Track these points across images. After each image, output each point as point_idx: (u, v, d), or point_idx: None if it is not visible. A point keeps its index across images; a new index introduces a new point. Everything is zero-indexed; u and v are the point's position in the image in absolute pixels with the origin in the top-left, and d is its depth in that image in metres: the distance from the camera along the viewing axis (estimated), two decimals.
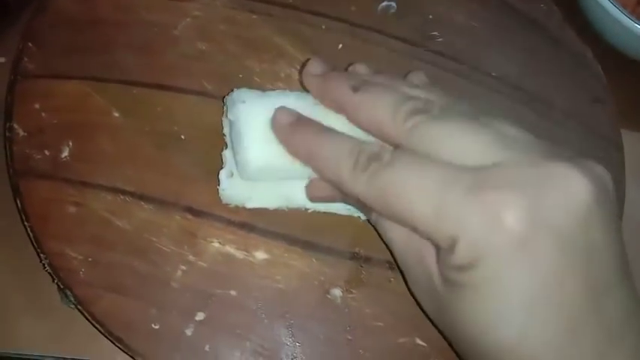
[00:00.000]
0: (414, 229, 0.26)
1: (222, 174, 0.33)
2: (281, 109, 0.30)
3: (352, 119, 0.30)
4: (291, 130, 0.30)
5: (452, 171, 0.25)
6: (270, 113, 0.31)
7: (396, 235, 0.28)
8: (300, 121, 0.30)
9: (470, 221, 0.23)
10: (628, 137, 0.41)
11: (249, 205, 0.34)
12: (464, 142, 0.25)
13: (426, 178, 0.25)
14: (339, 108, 0.30)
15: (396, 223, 0.27)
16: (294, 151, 0.30)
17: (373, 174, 0.26)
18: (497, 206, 0.23)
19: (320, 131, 0.29)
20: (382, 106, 0.28)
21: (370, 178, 0.26)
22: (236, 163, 0.32)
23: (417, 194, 0.25)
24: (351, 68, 0.34)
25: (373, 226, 0.31)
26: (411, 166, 0.26)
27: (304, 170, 0.31)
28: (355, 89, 0.29)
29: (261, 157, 0.31)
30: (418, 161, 0.26)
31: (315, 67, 0.32)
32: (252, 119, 0.31)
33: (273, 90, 0.33)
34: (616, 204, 0.25)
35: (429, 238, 0.26)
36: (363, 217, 0.34)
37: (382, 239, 0.30)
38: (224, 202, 0.33)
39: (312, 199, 0.32)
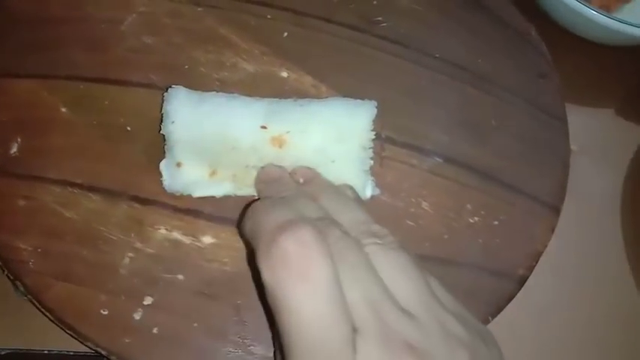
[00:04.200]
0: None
1: (163, 165, 0.34)
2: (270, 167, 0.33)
3: None
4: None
5: None
6: (200, 130, 0.33)
7: None
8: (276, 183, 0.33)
9: None
10: (573, 110, 0.42)
11: (196, 194, 0.35)
12: None
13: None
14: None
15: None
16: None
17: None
18: None
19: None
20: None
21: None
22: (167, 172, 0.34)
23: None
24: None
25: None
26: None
27: (223, 188, 0.34)
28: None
29: (185, 178, 0.34)
30: None
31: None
32: (181, 140, 0.33)
33: (215, 88, 0.36)
34: None
35: None
36: None
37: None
38: (168, 191, 0.34)
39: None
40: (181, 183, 0.34)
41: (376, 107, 0.34)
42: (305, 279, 0.23)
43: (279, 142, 0.33)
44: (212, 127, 0.33)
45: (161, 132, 0.34)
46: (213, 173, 0.34)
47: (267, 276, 0.24)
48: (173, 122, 0.33)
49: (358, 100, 0.35)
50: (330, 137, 0.33)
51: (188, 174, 0.34)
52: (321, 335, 0.23)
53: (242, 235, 0.31)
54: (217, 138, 0.33)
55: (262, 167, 0.33)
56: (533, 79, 0.43)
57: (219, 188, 0.35)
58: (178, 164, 0.34)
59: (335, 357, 0.23)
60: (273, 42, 0.40)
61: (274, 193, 0.31)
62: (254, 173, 0.34)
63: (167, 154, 0.34)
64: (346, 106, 0.34)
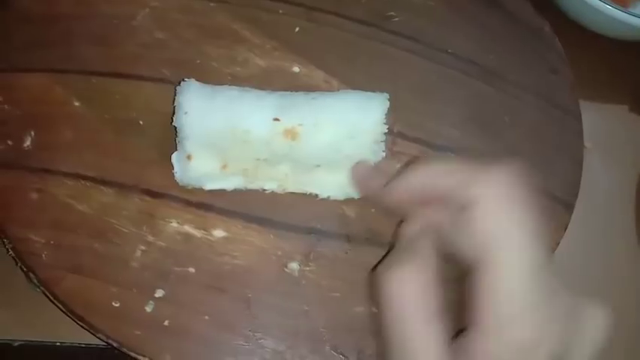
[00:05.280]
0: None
1: (174, 157, 0.34)
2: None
3: None
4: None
5: None
6: (212, 123, 0.33)
7: None
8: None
9: None
10: (586, 107, 0.42)
11: (208, 187, 0.35)
12: None
13: None
14: None
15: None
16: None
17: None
18: None
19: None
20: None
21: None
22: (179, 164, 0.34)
23: None
24: None
25: None
26: None
27: (234, 181, 0.34)
28: None
29: (197, 170, 0.34)
30: None
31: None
32: (194, 133, 0.33)
33: (226, 83, 0.36)
34: None
35: None
36: (323, 196, 0.35)
37: None
38: (180, 184, 0.34)
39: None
40: (192, 175, 0.34)
41: (388, 100, 0.34)
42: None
43: (291, 134, 0.33)
44: (224, 120, 0.33)
45: (173, 124, 0.34)
46: (224, 166, 0.34)
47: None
48: (186, 113, 0.33)
49: (370, 93, 0.35)
50: (343, 131, 0.33)
51: (199, 166, 0.34)
52: None
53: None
54: (229, 131, 0.33)
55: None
56: (545, 74, 0.42)
57: (230, 182, 0.35)
58: (189, 157, 0.34)
59: None
60: (285, 37, 0.40)
61: None
62: (264, 167, 0.34)
63: (178, 147, 0.34)
64: (359, 100, 0.34)
